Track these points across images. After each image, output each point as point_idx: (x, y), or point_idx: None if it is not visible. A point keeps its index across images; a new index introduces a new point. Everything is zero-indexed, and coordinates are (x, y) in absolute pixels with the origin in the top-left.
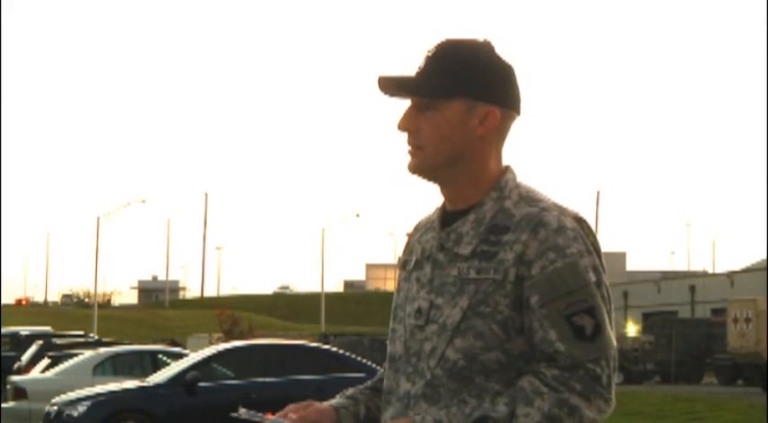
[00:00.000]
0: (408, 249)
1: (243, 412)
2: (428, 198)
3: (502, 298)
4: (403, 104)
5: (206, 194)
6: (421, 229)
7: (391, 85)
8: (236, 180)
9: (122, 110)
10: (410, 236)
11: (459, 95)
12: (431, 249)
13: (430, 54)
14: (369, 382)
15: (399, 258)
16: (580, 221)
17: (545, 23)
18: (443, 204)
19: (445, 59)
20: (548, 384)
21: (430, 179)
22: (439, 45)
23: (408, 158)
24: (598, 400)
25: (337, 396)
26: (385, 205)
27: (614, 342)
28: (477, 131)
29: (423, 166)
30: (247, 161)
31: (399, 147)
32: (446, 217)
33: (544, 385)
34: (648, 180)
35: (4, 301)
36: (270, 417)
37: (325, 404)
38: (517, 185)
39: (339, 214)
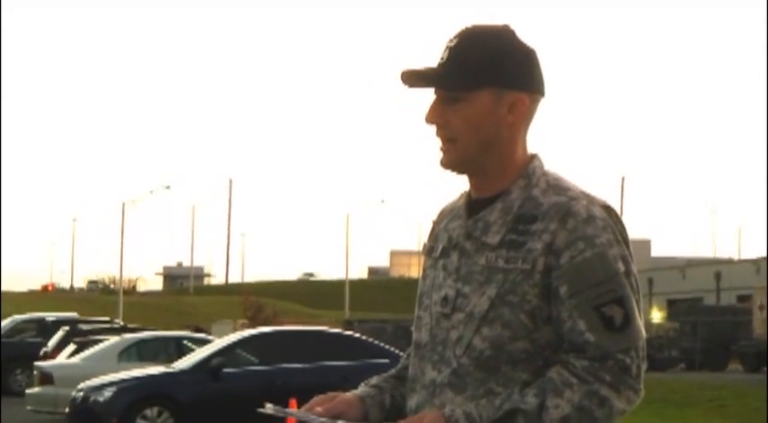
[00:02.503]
0: (433, 236)
1: (269, 407)
2: (454, 185)
3: (530, 288)
4: (428, 94)
5: (230, 181)
6: (446, 216)
7: (416, 78)
8: (260, 166)
9: (148, 96)
10: (435, 222)
11: (487, 85)
12: (458, 238)
13: (452, 44)
14: (392, 371)
15: (424, 245)
16: (609, 210)
17: (569, 7)
18: (469, 192)
19: (469, 49)
20: (577, 375)
21: (461, 172)
22: (460, 34)
23: (440, 153)
24: (628, 391)
25: (361, 385)
26: (410, 192)
27: (643, 332)
28: (507, 120)
29: (456, 160)
30: (272, 148)
31: (425, 134)
32: (472, 205)
33: (573, 376)
34: (673, 166)
35: (29, 287)
36: (295, 410)
37: (350, 394)
38: (545, 173)
39: (364, 201)
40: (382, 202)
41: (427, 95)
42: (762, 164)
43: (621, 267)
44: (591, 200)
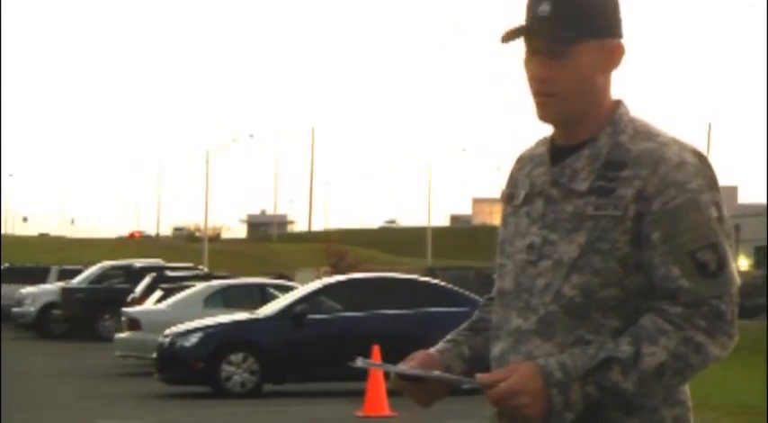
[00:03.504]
0: (512, 183)
1: (359, 361)
2: (534, 132)
3: (621, 234)
4: (513, 46)
5: (313, 129)
6: (525, 163)
7: (518, 33)
8: (342, 115)
9: (231, 48)
10: (513, 169)
11: (592, 36)
12: (542, 185)
13: None
14: (466, 324)
15: (503, 192)
16: (699, 156)
17: None
18: (552, 138)
19: (568, 1)
20: (672, 322)
21: (560, 124)
22: None
23: (536, 107)
24: (722, 337)
25: (439, 343)
26: (491, 140)
27: (737, 278)
28: (607, 68)
29: (557, 113)
30: (354, 96)
31: (505, 84)
32: (556, 152)
33: (668, 323)
34: (759, 112)
35: (118, 234)
36: (387, 364)
37: (428, 351)
38: (631, 120)
39: (446, 149)
40: (464, 150)
41: (513, 48)
42: None
43: (714, 213)
44: (681, 146)
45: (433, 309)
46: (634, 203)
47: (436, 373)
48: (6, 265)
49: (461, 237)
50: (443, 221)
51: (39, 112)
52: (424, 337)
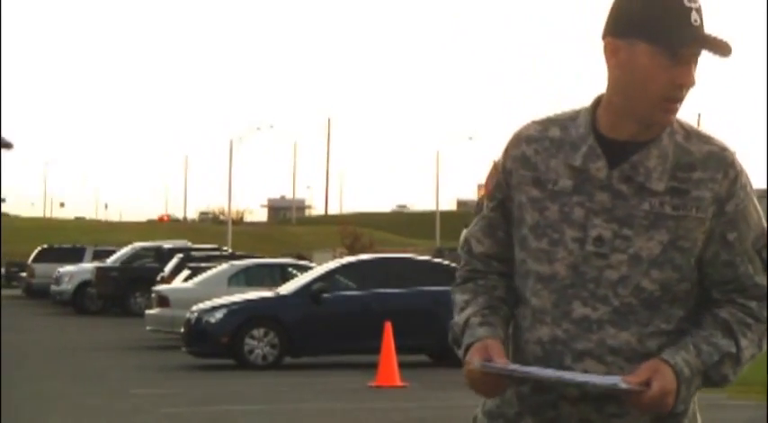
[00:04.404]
0: (531, 165)
1: (488, 366)
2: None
3: (701, 234)
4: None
5: (329, 120)
6: (545, 146)
7: (701, 44)
8: (357, 107)
9: (255, 46)
10: (524, 150)
11: None
12: (606, 178)
13: (698, 6)
14: (483, 301)
15: (512, 169)
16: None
17: None
18: (595, 129)
19: (702, 11)
20: (752, 316)
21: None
22: None
23: (666, 113)
24: None
25: (473, 323)
26: (494, 129)
27: None
28: None
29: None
30: (368, 89)
31: (507, 75)
32: (609, 145)
33: (749, 317)
34: (749, 102)
35: (147, 218)
36: (502, 365)
37: (495, 342)
38: (677, 119)
39: (453, 137)
40: (470, 138)
41: (511, 45)
42: None
43: (762, 212)
44: (731, 149)
45: (441, 287)
46: (713, 205)
47: (579, 376)
48: (45, 246)
49: (467, 220)
50: (451, 206)
51: (75, 104)
52: (432, 314)
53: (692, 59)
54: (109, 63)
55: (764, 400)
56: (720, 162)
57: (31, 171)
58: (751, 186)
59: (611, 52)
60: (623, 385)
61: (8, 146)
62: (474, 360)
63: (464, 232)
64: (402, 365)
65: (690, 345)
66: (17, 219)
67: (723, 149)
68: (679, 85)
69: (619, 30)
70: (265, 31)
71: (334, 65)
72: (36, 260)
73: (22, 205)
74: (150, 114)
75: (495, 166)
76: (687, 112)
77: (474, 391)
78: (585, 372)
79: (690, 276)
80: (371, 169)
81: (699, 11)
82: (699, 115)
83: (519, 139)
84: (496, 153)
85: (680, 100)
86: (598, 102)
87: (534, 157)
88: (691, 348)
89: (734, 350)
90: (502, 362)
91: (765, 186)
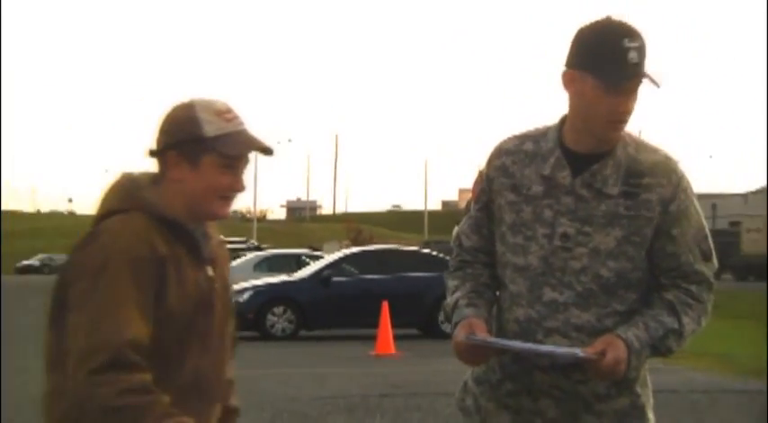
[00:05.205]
0: (509, 174)
1: (471, 338)
2: (499, 134)
3: (649, 230)
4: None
5: (336, 136)
6: (520, 157)
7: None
8: (359, 124)
9: (277, 73)
10: (504, 161)
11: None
12: (570, 185)
13: (637, 44)
14: (469, 287)
15: (494, 177)
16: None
17: None
18: (561, 143)
19: (642, 50)
20: (693, 297)
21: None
22: (634, 33)
23: (611, 131)
24: (711, 304)
25: (461, 304)
26: (475, 140)
27: None
28: None
29: (620, 135)
30: (368, 111)
31: (481, 99)
32: (572, 157)
33: (690, 298)
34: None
35: None
36: (488, 338)
37: (479, 320)
38: (629, 134)
39: (438, 150)
40: (452, 149)
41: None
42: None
43: (701, 210)
44: (674, 158)
45: (428, 273)
46: (659, 206)
47: (544, 347)
48: None
49: (450, 218)
50: (437, 206)
51: (123, 114)
52: (421, 295)
53: (630, 91)
54: (160, 82)
55: (692, 365)
56: (665, 170)
57: (94, 175)
58: (691, 189)
59: (568, 81)
60: (581, 354)
61: (267, 151)
62: (460, 334)
63: (456, 229)
64: (396, 337)
65: (640, 322)
66: (85, 217)
67: (668, 159)
68: (620, 112)
69: (574, 63)
70: (289, 64)
71: (342, 91)
72: None
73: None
74: None
75: (480, 174)
76: (633, 126)
77: (461, 360)
78: (554, 345)
79: (641, 266)
80: (371, 176)
81: (639, 49)
82: (639, 132)
83: (499, 152)
84: (476, 162)
85: (623, 122)
86: (564, 120)
87: (512, 167)
88: (640, 325)
89: (677, 326)
90: (483, 336)
91: (765, 184)
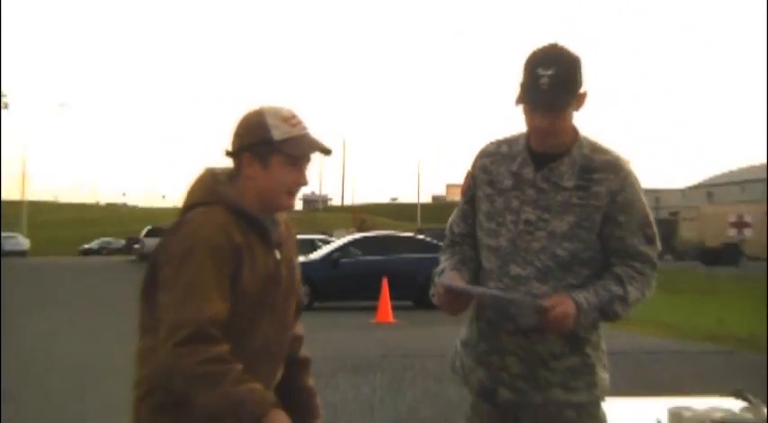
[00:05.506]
0: (488, 171)
1: (450, 284)
2: (484, 138)
3: (598, 216)
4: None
5: (344, 140)
6: (496, 158)
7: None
8: (363, 131)
9: (294, 88)
10: (485, 161)
11: (572, 97)
12: (533, 180)
13: (549, 73)
14: (456, 259)
15: (477, 175)
16: (629, 164)
17: None
18: (529, 146)
19: (561, 75)
20: (638, 272)
21: (550, 146)
22: (548, 60)
23: (542, 142)
24: (654, 281)
25: (447, 269)
26: (462, 143)
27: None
28: (577, 110)
29: (553, 143)
30: (370, 119)
31: (469, 105)
32: (536, 156)
33: (635, 272)
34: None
35: None
36: (464, 285)
37: (459, 275)
38: (585, 138)
39: (430, 151)
40: (444, 149)
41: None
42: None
43: (646, 202)
44: (624, 158)
45: (420, 255)
46: (607, 197)
47: (510, 294)
48: (150, 226)
49: (439, 209)
50: (428, 199)
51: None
52: (414, 273)
53: (549, 111)
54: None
55: (639, 331)
56: (614, 167)
57: (143, 174)
58: (638, 184)
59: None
60: (538, 302)
61: (327, 152)
62: (443, 283)
63: (450, 219)
64: (394, 308)
65: (591, 289)
66: (136, 208)
67: (617, 159)
68: (543, 128)
69: (517, 97)
70: (306, 79)
71: (349, 102)
72: (146, 236)
73: (147, 198)
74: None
75: (468, 174)
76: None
77: (442, 308)
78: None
79: (593, 246)
80: (373, 173)
81: (551, 76)
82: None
83: (482, 154)
84: (460, 163)
85: (550, 135)
86: None
87: (490, 166)
88: (591, 291)
89: (622, 293)
90: (459, 284)
91: (765, 176)
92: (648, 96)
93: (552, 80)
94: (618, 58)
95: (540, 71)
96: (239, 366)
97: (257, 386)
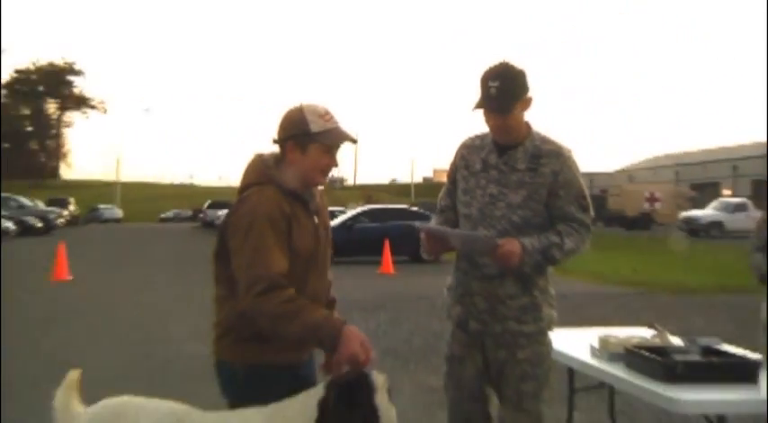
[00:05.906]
0: (464, 158)
1: (429, 227)
2: (465, 132)
3: (544, 190)
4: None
5: (357, 135)
6: (471, 149)
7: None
8: (371, 125)
9: (310, 88)
10: (463, 152)
11: (518, 101)
12: (496, 164)
13: (497, 84)
14: (441, 218)
15: (457, 163)
16: (570, 152)
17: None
18: (494, 140)
19: (508, 84)
20: (575, 229)
21: (505, 140)
22: (496, 74)
23: (498, 137)
24: (588, 238)
25: (433, 222)
26: (448, 137)
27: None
28: (525, 111)
29: (508, 138)
30: (376, 115)
31: (455, 103)
32: (499, 147)
33: (573, 230)
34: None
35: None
36: (439, 227)
37: (438, 222)
38: (537, 132)
39: (421, 141)
40: (434, 141)
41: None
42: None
43: (582, 180)
44: (566, 147)
45: (413, 221)
46: (551, 176)
47: (475, 233)
48: (211, 201)
49: (428, 188)
50: (419, 180)
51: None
52: (409, 235)
53: (499, 112)
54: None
55: (576, 279)
56: (556, 154)
57: (207, 161)
58: (576, 167)
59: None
60: (494, 240)
61: (354, 141)
62: (424, 228)
63: (439, 194)
64: (394, 262)
65: (535, 237)
66: (200, 187)
67: (560, 148)
68: (497, 126)
69: (476, 104)
70: (322, 80)
71: (360, 100)
72: (207, 208)
73: (208, 179)
74: (225, 125)
75: (452, 161)
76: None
77: (424, 250)
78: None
79: (541, 214)
80: (378, 159)
81: (497, 87)
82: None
83: (462, 146)
84: (447, 152)
85: (501, 130)
86: None
87: (467, 155)
88: (535, 237)
89: (559, 241)
90: (436, 227)
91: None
92: (648, 96)
93: (499, 90)
94: (618, 58)
95: (490, 83)
96: (308, 301)
97: (327, 312)
